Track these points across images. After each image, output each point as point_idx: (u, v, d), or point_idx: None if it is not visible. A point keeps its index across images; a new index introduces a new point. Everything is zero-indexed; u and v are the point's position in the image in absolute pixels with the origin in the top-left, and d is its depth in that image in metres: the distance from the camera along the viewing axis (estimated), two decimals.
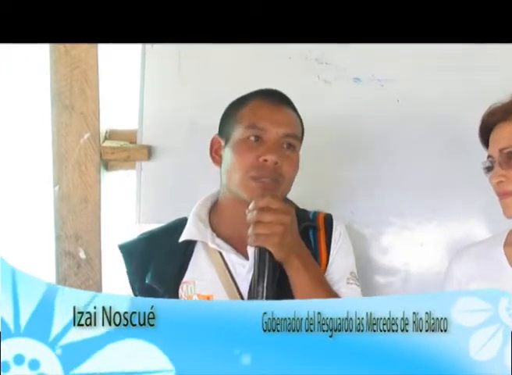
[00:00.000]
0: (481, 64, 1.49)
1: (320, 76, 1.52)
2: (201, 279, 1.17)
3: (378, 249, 1.53)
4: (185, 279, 1.17)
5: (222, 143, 1.21)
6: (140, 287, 1.17)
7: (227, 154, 1.18)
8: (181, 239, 1.19)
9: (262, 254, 1.07)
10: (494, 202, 1.18)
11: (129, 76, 1.55)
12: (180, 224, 1.23)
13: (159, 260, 1.18)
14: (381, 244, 1.53)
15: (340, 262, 1.21)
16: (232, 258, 1.18)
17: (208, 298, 1.15)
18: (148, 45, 1.50)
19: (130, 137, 1.56)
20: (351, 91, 1.51)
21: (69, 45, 1.44)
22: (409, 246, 1.53)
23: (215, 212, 1.24)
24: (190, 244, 1.20)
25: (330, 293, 1.14)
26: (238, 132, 1.17)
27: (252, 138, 1.16)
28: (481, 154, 1.21)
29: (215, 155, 1.23)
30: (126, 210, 1.56)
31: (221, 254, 1.18)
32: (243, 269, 1.17)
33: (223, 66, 1.51)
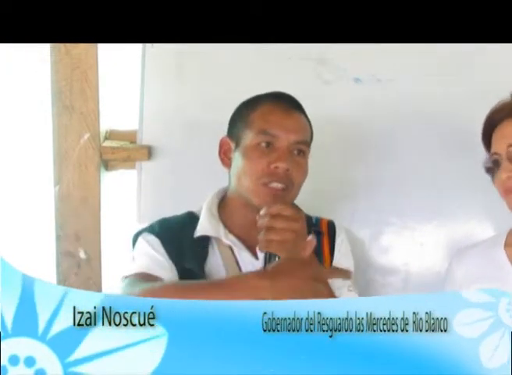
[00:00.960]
0: (481, 64, 1.49)
1: (320, 76, 1.52)
2: (216, 274, 1.17)
3: (378, 249, 1.53)
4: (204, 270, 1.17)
5: (232, 145, 1.21)
6: (181, 270, 1.16)
7: (237, 158, 1.18)
8: (196, 234, 1.19)
9: (272, 259, 1.07)
10: (494, 202, 1.18)
11: (129, 76, 1.55)
12: (189, 218, 1.23)
13: (181, 252, 1.18)
14: (381, 244, 1.53)
15: None
16: (242, 255, 1.19)
17: None
18: (148, 45, 1.50)
19: (130, 137, 1.56)
20: (351, 91, 1.51)
21: (69, 45, 1.44)
22: (409, 246, 1.52)
23: (223, 209, 1.24)
24: (205, 239, 1.20)
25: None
26: (249, 137, 1.17)
27: (263, 144, 1.16)
28: (481, 154, 1.21)
29: (224, 156, 1.23)
30: (126, 210, 1.56)
31: (231, 250, 1.19)
32: (253, 269, 1.17)
33: (223, 66, 1.51)
